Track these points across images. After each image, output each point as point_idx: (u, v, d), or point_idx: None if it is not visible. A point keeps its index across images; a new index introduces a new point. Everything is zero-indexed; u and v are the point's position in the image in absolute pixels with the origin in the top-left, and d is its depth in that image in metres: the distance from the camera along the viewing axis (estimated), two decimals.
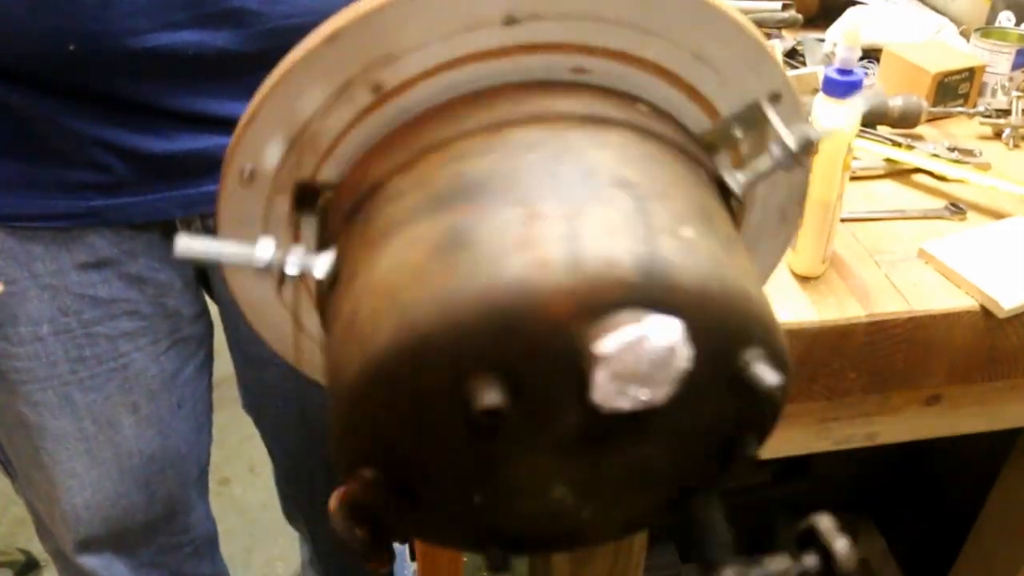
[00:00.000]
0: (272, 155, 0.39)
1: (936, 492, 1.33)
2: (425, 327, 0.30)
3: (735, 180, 0.41)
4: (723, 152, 0.43)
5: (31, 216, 0.71)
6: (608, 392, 0.30)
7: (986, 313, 0.67)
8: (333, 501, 0.35)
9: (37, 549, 1.67)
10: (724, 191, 0.41)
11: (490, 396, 0.29)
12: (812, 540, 0.34)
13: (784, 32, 1.14)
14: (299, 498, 1.15)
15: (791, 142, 0.39)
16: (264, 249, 0.36)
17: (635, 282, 0.30)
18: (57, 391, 0.78)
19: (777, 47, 0.96)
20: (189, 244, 0.35)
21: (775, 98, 0.41)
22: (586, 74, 0.39)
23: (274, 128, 0.38)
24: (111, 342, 0.78)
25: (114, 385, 0.80)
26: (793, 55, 1.11)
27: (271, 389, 0.98)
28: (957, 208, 0.79)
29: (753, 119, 0.41)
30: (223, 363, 1.01)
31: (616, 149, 0.36)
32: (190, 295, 0.85)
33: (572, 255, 0.30)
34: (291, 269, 0.36)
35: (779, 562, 0.35)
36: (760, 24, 1.10)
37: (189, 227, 0.81)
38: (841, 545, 0.33)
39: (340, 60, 0.36)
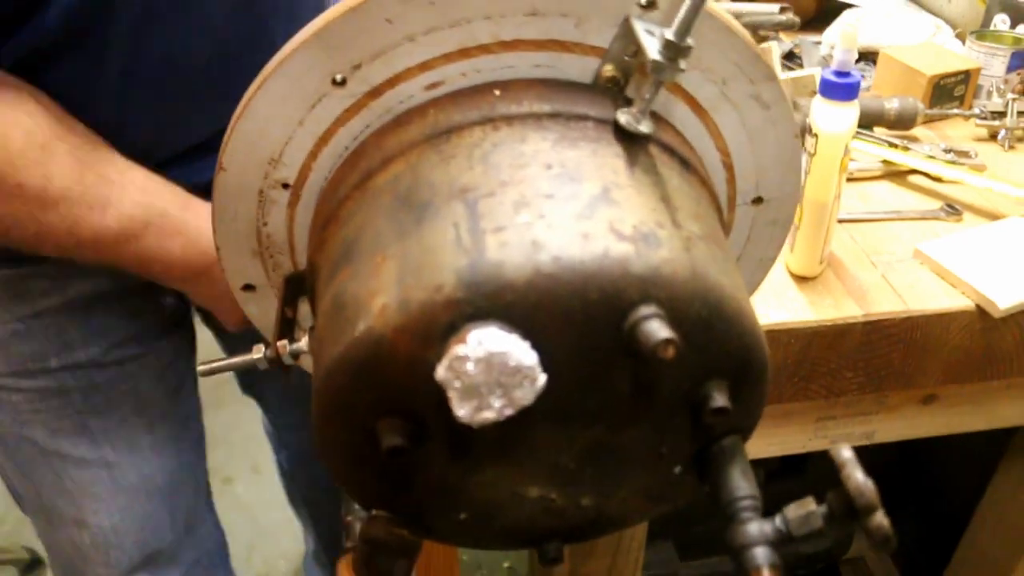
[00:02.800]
0: (255, 268, 0.46)
1: (932, 490, 1.34)
2: (330, 389, 0.34)
3: (629, 116, 0.36)
4: (636, 83, 0.38)
5: (36, 255, 0.71)
6: (468, 409, 0.31)
7: (982, 313, 0.68)
8: (346, 563, 0.39)
9: (41, 547, 1.67)
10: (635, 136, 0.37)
11: (389, 439, 0.32)
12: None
13: (781, 35, 1.15)
14: (301, 481, 1.16)
15: (653, 50, 0.34)
16: (259, 352, 0.46)
17: (460, 297, 0.31)
18: (73, 419, 0.78)
19: (775, 49, 0.96)
20: (209, 366, 0.49)
21: (649, 5, 0.36)
22: (438, 87, 0.38)
23: (240, 250, 0.45)
24: (119, 367, 0.79)
25: (128, 408, 0.81)
26: (791, 57, 1.12)
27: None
28: (953, 209, 0.80)
29: (632, 36, 0.37)
30: None
31: (465, 150, 0.35)
32: (180, 314, 0.86)
33: (402, 292, 0.32)
34: (287, 360, 0.45)
35: (801, 508, 0.34)
36: (757, 27, 1.11)
37: None
38: (859, 478, 0.31)
39: (240, 178, 0.41)
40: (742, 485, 0.35)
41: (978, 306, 0.68)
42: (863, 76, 1.05)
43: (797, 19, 1.14)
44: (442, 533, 0.40)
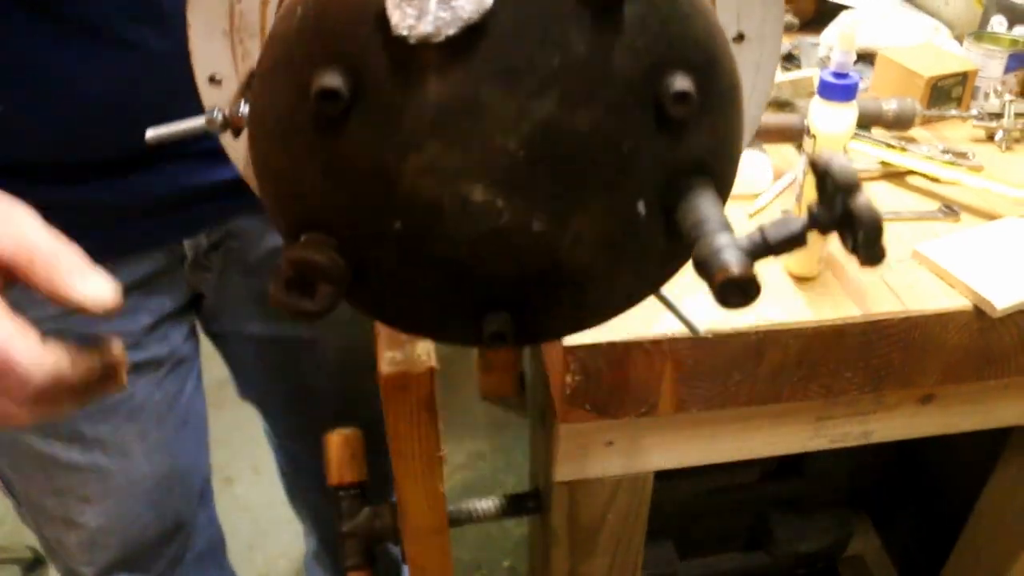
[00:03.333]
0: (223, 55, 0.44)
1: (930, 490, 1.34)
2: (272, 47, 0.33)
3: None
4: None
5: None
6: (407, 17, 0.30)
7: (979, 313, 0.69)
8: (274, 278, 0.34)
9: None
10: None
11: (327, 79, 0.31)
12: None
13: None
14: (303, 483, 1.16)
15: None
16: (213, 113, 0.41)
17: None
18: (66, 426, 0.78)
19: None
20: (156, 132, 0.43)
21: None
22: None
23: (211, 30, 0.43)
24: None
25: (121, 416, 0.81)
26: (789, 58, 1.12)
27: (270, 368, 0.99)
28: (951, 210, 0.80)
29: None
30: (223, 364, 1.02)
31: None
32: (181, 315, 0.86)
33: None
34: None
35: (776, 219, 0.32)
36: None
37: (196, 247, 0.81)
38: (841, 160, 0.30)
39: None
40: (712, 210, 0.33)
41: (976, 306, 0.69)
42: (861, 77, 1.05)
43: (795, 20, 1.15)
44: (373, 261, 0.36)
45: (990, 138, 0.94)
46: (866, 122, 0.91)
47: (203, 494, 0.98)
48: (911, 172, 0.87)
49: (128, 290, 0.76)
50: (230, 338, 0.97)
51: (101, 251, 0.75)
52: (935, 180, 0.86)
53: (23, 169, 0.68)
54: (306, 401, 1.03)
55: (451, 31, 0.30)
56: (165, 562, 0.93)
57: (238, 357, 0.99)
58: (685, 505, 1.27)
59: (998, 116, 0.94)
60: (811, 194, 0.69)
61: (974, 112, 0.95)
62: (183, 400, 0.88)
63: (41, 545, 0.92)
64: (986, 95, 0.99)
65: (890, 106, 0.91)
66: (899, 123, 0.92)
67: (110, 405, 0.80)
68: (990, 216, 0.80)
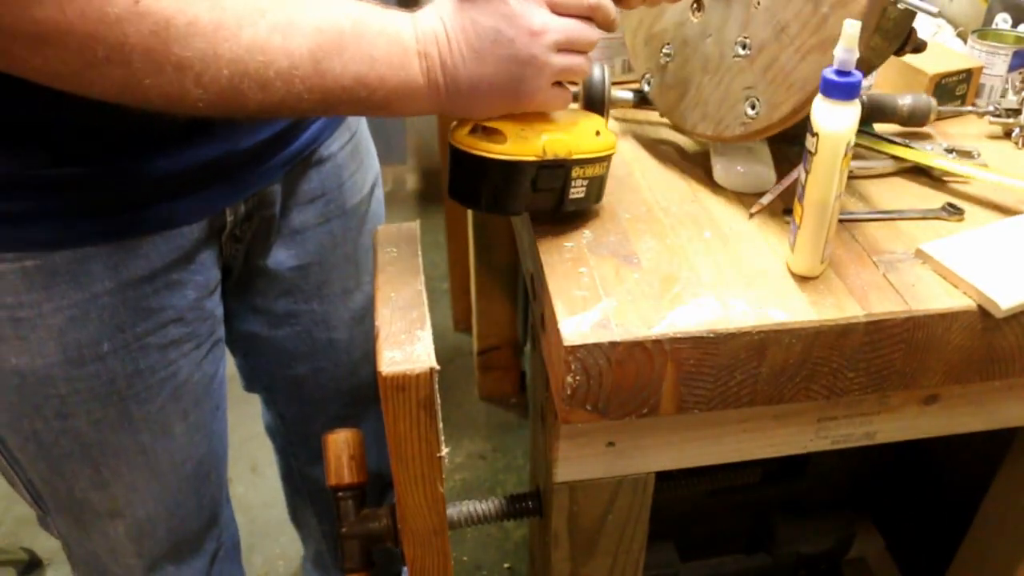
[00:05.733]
0: None
1: (934, 491, 1.34)
2: None
3: None
4: None
5: (95, 235, 0.71)
6: None
7: (984, 313, 0.68)
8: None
9: (40, 548, 1.68)
10: None
11: None
12: None
13: None
14: (310, 479, 1.16)
15: None
16: None
17: None
18: (116, 407, 0.78)
19: None
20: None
21: None
22: None
23: None
24: (162, 352, 0.79)
25: (166, 394, 0.81)
26: None
27: (283, 349, 0.99)
28: (955, 209, 0.80)
29: None
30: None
31: None
32: (217, 295, 0.86)
33: None
34: None
35: None
36: None
37: (235, 214, 0.81)
38: None
39: None
40: None
41: (980, 306, 0.68)
42: (864, 75, 1.04)
43: None
44: None
45: (1007, 135, 0.93)
46: (880, 118, 0.91)
47: (226, 486, 0.99)
48: (915, 170, 0.86)
49: (177, 263, 0.77)
50: (245, 317, 0.96)
51: (164, 222, 0.75)
52: (940, 179, 0.85)
53: (95, 135, 0.67)
54: (317, 388, 1.03)
55: None
56: (208, 557, 0.93)
57: (250, 339, 0.99)
58: (686, 506, 1.26)
59: (1016, 112, 0.93)
60: (813, 193, 0.68)
61: (991, 108, 0.94)
62: (216, 381, 0.89)
63: (74, 558, 0.91)
64: (991, 92, 0.98)
65: (905, 102, 0.90)
66: (914, 119, 0.91)
67: (156, 384, 0.80)
68: (994, 215, 0.80)
